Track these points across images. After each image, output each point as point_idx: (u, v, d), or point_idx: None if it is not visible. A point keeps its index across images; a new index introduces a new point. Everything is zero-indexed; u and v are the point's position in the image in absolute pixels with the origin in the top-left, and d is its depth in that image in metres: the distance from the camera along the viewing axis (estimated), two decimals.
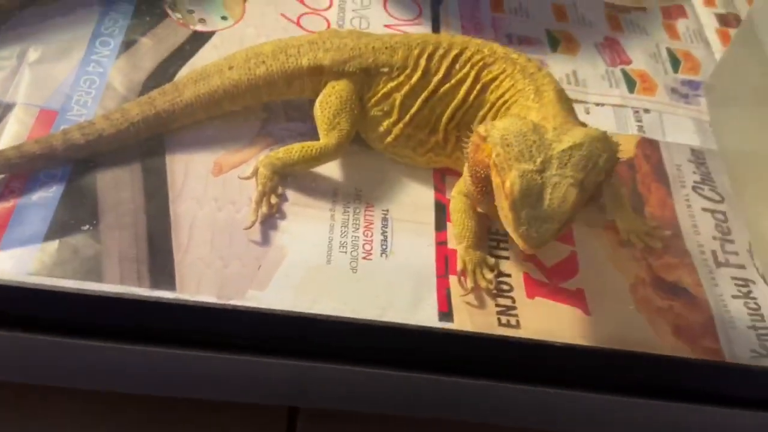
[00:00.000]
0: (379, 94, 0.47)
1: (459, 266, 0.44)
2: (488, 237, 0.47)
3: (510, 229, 0.39)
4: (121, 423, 0.48)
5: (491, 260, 0.45)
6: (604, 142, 0.40)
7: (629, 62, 0.62)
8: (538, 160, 0.38)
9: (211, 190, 0.45)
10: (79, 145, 0.43)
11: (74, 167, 0.44)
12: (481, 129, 0.41)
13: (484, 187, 0.42)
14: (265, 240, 0.44)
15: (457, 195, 0.46)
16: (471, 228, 0.45)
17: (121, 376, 0.42)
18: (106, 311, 0.38)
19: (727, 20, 0.68)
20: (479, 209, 0.45)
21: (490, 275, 0.44)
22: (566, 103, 0.44)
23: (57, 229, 0.41)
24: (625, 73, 0.61)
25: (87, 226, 0.41)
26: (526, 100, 0.44)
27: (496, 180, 0.40)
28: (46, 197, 0.42)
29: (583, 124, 0.43)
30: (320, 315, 0.40)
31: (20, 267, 0.39)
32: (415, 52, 0.47)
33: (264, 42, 0.49)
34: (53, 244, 0.40)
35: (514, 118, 0.41)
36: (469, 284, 0.44)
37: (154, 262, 0.41)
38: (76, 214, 0.42)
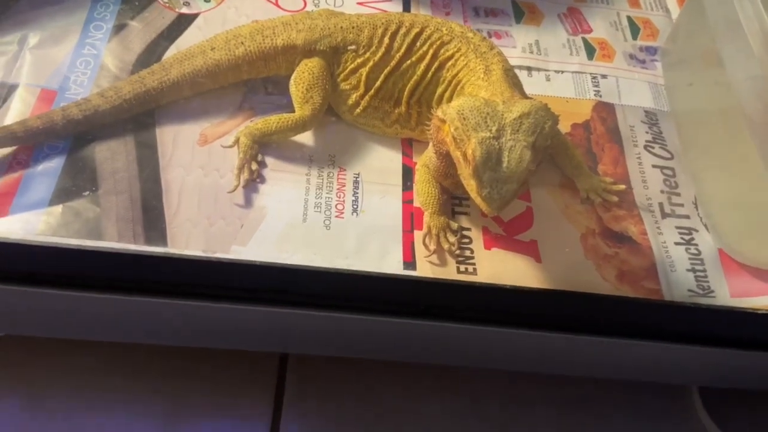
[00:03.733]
0: (347, 70, 0.52)
1: (424, 230, 0.49)
2: (451, 200, 0.51)
3: (474, 194, 0.43)
4: (118, 371, 0.53)
5: (454, 225, 0.50)
6: (547, 111, 0.44)
7: (590, 31, 0.66)
8: (494, 128, 0.42)
9: (198, 158, 0.50)
10: (77, 120, 0.48)
11: (74, 140, 0.49)
12: (439, 112, 0.45)
13: (447, 161, 0.47)
14: (247, 202, 0.49)
15: (422, 167, 0.50)
16: (435, 196, 0.49)
17: (120, 326, 0.47)
18: (106, 265, 0.44)
19: None
20: (443, 183, 0.50)
21: (453, 238, 0.49)
22: (513, 80, 0.49)
23: (60, 195, 0.46)
24: (585, 42, 0.65)
25: (87, 192, 0.47)
26: (477, 79, 0.48)
27: (455, 153, 0.44)
28: (50, 167, 0.47)
29: (528, 98, 0.47)
30: (295, 265, 0.45)
31: (29, 229, 0.44)
32: (379, 31, 0.52)
33: (243, 24, 0.54)
34: (57, 209, 0.45)
35: (466, 97, 0.45)
36: (432, 246, 0.48)
37: (147, 223, 0.46)
38: (77, 182, 0.47)
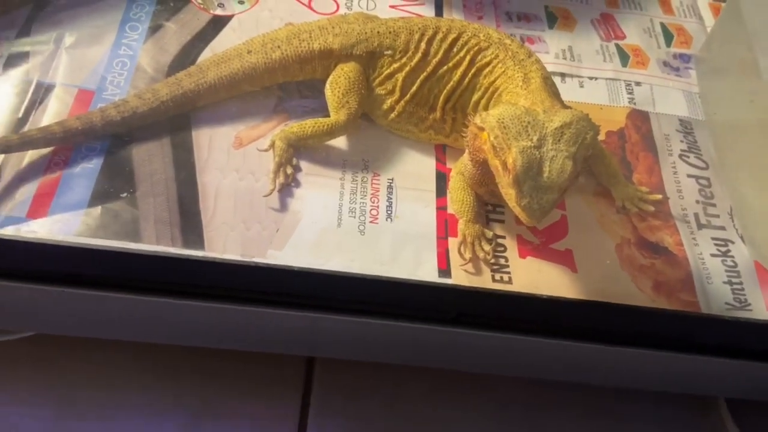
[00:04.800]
0: (383, 75, 0.52)
1: (459, 238, 0.48)
2: (485, 208, 0.51)
3: (512, 203, 0.43)
4: (147, 371, 0.54)
5: (489, 233, 0.49)
6: (589, 122, 0.44)
7: (623, 37, 0.65)
8: (535, 138, 0.42)
9: (233, 161, 0.50)
10: (115, 121, 0.48)
11: (112, 142, 0.49)
12: (477, 120, 0.45)
13: (483, 169, 0.47)
14: (283, 206, 0.49)
15: (456, 175, 0.50)
16: (470, 203, 0.49)
17: (154, 327, 0.47)
18: (144, 267, 0.44)
19: None
20: (478, 191, 0.49)
21: (488, 247, 0.48)
22: (551, 89, 0.48)
23: (99, 197, 0.46)
24: (619, 48, 0.64)
25: (125, 194, 0.47)
26: (515, 87, 0.48)
27: (494, 162, 0.44)
28: (88, 168, 0.47)
29: (568, 107, 0.47)
30: (331, 271, 0.45)
31: (67, 230, 0.44)
32: (416, 36, 0.51)
33: (278, 28, 0.54)
34: (96, 210, 0.46)
35: (506, 105, 0.45)
36: (468, 255, 0.48)
37: (185, 225, 0.46)
38: (115, 183, 0.47)
